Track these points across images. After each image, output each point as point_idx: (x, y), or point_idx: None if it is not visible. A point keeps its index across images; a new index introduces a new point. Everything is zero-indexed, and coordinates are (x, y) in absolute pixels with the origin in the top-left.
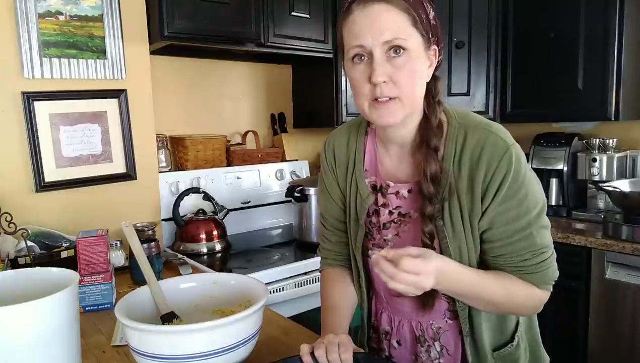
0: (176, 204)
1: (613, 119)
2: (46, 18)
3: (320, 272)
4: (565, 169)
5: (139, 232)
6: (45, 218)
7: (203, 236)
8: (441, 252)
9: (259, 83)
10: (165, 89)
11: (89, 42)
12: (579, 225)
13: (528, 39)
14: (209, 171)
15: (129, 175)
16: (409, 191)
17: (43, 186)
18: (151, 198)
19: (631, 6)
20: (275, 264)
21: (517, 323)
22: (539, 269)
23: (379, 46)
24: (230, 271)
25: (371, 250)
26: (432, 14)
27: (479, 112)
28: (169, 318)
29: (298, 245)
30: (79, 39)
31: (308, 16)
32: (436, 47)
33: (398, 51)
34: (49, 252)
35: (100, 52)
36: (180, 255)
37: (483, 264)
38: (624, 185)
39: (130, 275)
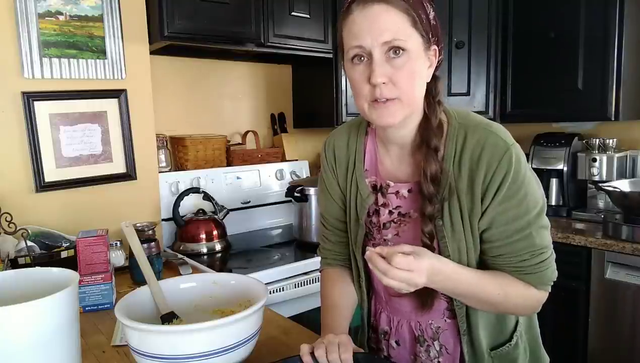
0: (176, 204)
1: (613, 119)
2: (46, 18)
3: (320, 271)
4: (565, 168)
5: (139, 232)
6: (45, 218)
7: (203, 236)
8: (440, 252)
9: (259, 83)
10: (165, 89)
11: (89, 42)
12: (579, 225)
13: (528, 39)
14: (209, 171)
15: (129, 175)
16: (409, 191)
17: (43, 186)
18: (151, 198)
19: (631, 6)
20: (275, 264)
21: (517, 323)
22: (537, 270)
23: (379, 47)
24: (230, 271)
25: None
26: (432, 14)
27: (479, 112)
28: (169, 318)
29: (298, 245)
30: (79, 39)
31: (308, 16)
32: (436, 47)
33: (397, 52)
34: (49, 252)
35: (100, 52)
36: (180, 255)
37: (482, 264)
38: (624, 185)
39: (130, 275)
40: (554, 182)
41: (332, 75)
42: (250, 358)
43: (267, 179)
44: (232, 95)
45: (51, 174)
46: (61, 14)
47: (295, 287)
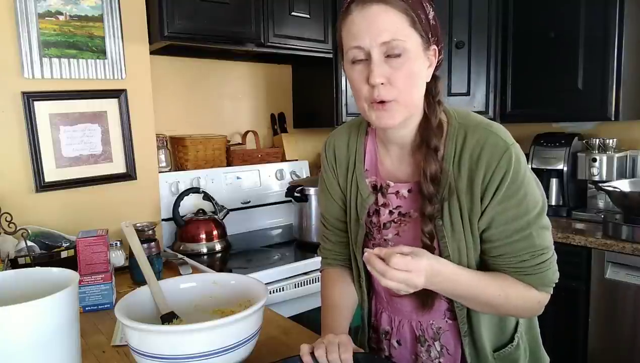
0: (176, 204)
1: (613, 119)
2: (46, 18)
3: (320, 271)
4: (565, 168)
5: (139, 232)
6: (45, 218)
7: (203, 236)
8: (440, 252)
9: (259, 83)
10: (165, 89)
11: (89, 42)
12: (579, 225)
13: (528, 39)
14: (209, 171)
15: (129, 175)
16: (409, 191)
17: (43, 186)
18: (151, 198)
19: (631, 6)
20: (275, 264)
21: (517, 323)
22: (538, 270)
23: (377, 47)
24: (230, 271)
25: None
26: (431, 14)
27: (479, 112)
28: (169, 318)
29: (298, 245)
30: (79, 39)
31: (308, 16)
32: (436, 47)
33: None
34: (49, 252)
35: (100, 52)
36: (180, 255)
37: (483, 265)
38: (624, 185)
39: (130, 275)
40: (554, 182)
41: (332, 75)
42: (250, 358)
43: (267, 178)
44: (232, 95)
45: (51, 174)
46: (61, 14)
47: (295, 287)
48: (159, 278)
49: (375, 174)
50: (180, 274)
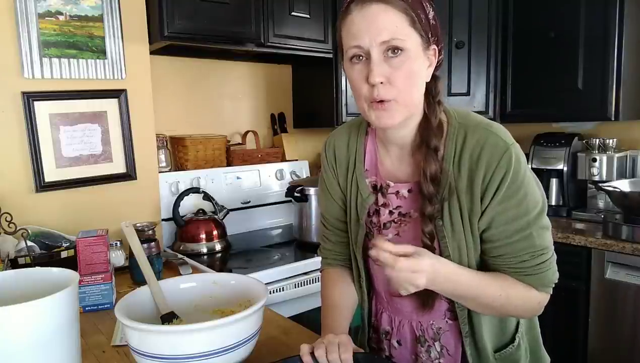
0: (176, 204)
1: (613, 119)
2: (46, 18)
3: (320, 272)
4: (565, 168)
5: (139, 232)
6: (45, 218)
7: (203, 236)
8: (441, 252)
9: (259, 83)
10: (165, 89)
11: (89, 42)
12: (579, 225)
13: (528, 39)
14: (209, 171)
15: (129, 175)
16: (409, 191)
17: (43, 186)
18: (151, 198)
19: (631, 6)
20: (275, 264)
21: (518, 323)
22: (538, 271)
23: (377, 46)
24: (230, 271)
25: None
26: (431, 14)
27: (479, 112)
28: (169, 318)
29: (298, 245)
30: (79, 39)
31: (308, 16)
32: (436, 47)
33: (396, 51)
34: (49, 252)
35: (100, 52)
36: (180, 255)
37: (483, 265)
38: (624, 185)
39: (130, 275)
40: (554, 182)
41: (332, 75)
42: (250, 358)
43: (267, 178)
44: (232, 95)
45: (51, 174)
46: (61, 14)
47: (295, 287)
48: (159, 278)
49: (375, 174)
50: (180, 274)
